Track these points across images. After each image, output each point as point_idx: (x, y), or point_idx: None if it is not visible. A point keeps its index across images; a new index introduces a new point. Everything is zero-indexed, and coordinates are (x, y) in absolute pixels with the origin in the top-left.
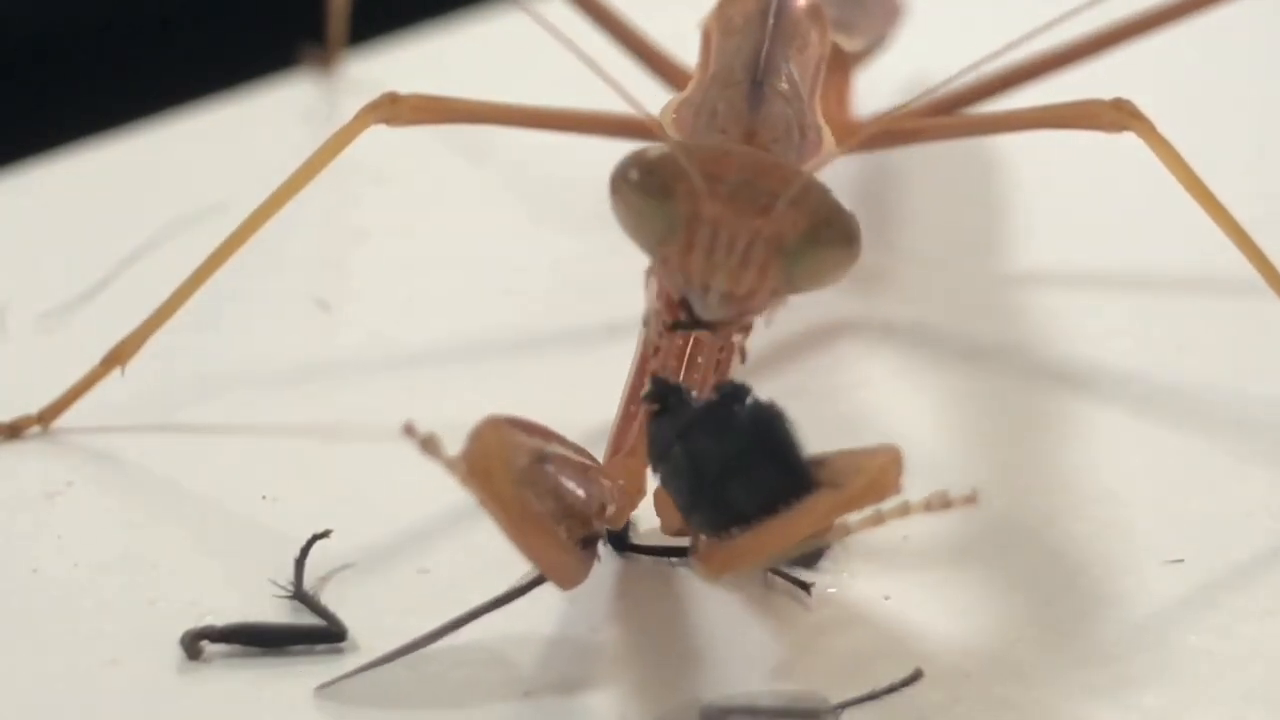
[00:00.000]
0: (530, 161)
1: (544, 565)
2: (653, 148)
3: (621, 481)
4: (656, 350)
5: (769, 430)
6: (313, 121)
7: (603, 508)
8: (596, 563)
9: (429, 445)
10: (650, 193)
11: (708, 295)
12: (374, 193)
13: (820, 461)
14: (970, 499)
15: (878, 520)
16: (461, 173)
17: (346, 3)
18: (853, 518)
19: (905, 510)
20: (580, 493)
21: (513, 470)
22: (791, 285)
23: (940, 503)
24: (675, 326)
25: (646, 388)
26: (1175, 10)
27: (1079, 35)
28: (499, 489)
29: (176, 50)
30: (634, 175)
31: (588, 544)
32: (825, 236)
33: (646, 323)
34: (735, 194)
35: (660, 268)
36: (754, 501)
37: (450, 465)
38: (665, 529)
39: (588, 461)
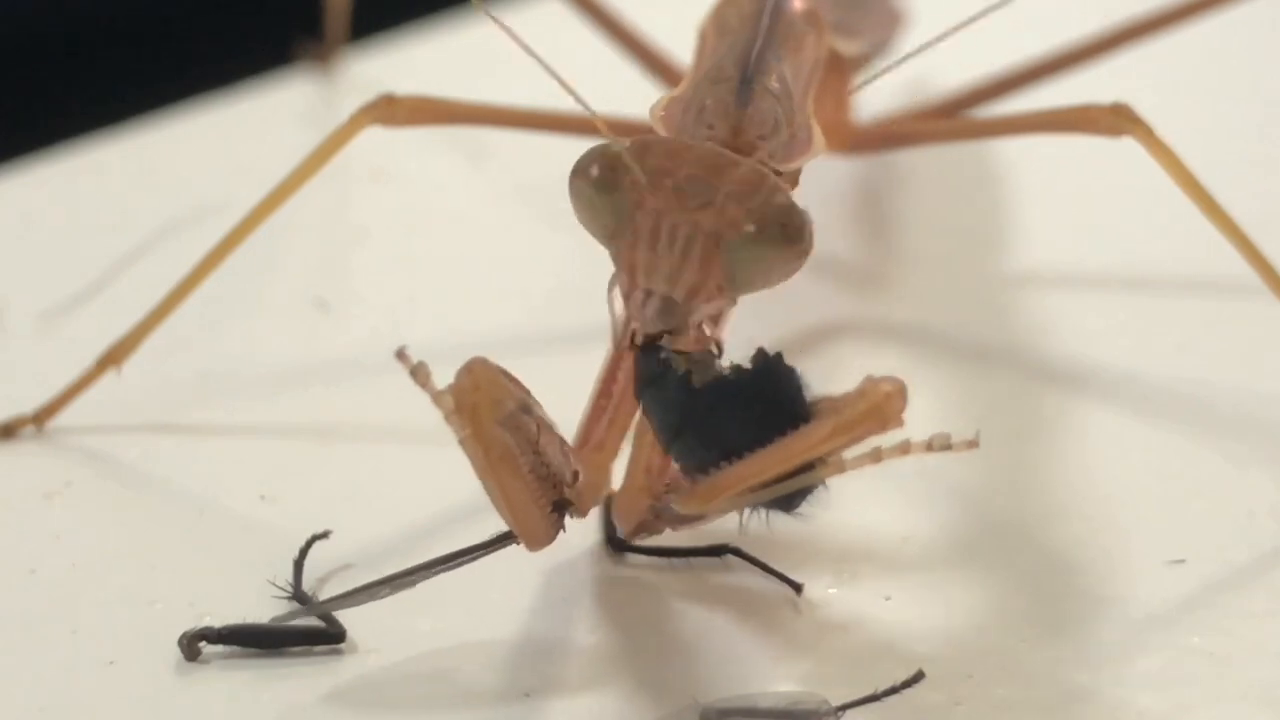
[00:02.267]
0: (530, 161)
1: (514, 517)
2: (610, 143)
3: (585, 474)
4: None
5: (767, 363)
6: (311, 121)
7: (576, 476)
8: (561, 533)
9: (418, 373)
10: (599, 186)
11: (647, 303)
12: (374, 193)
13: (820, 399)
14: (972, 443)
15: (875, 458)
16: (461, 173)
17: (346, 1)
18: (849, 453)
19: (905, 449)
20: (556, 457)
21: (498, 411)
22: (735, 285)
23: (941, 443)
24: (634, 344)
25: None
26: (1174, 15)
27: (1078, 40)
28: (483, 427)
29: (176, 50)
30: (591, 170)
31: (556, 509)
32: (768, 234)
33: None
34: (679, 187)
35: (615, 263)
36: (744, 432)
37: (437, 398)
38: (624, 529)
39: (563, 436)
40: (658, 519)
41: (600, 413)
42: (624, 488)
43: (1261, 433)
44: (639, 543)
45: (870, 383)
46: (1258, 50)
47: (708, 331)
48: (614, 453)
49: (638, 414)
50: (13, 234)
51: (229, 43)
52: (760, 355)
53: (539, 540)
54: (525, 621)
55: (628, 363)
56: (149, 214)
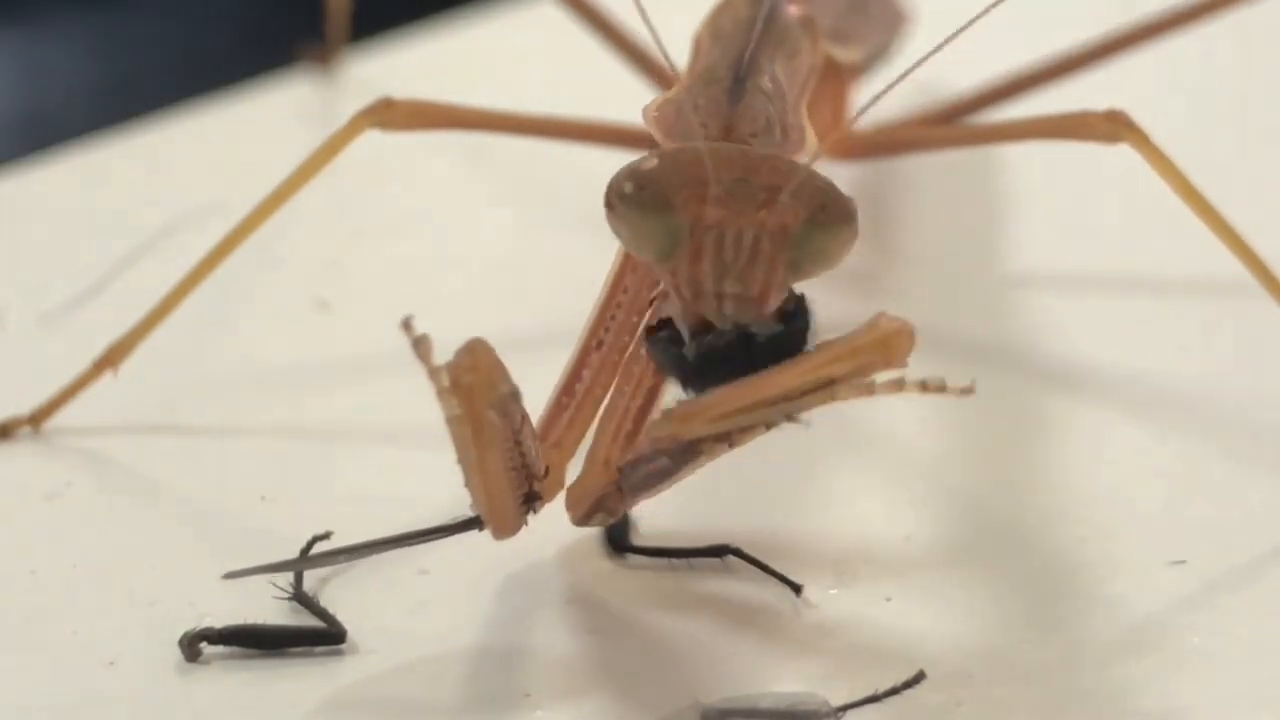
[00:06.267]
0: (531, 162)
1: (488, 503)
2: (642, 160)
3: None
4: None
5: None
6: (312, 122)
7: (546, 471)
8: (524, 527)
9: (420, 345)
10: (649, 208)
11: (724, 304)
12: (374, 193)
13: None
14: (968, 389)
15: (869, 390)
16: (461, 173)
17: (347, 2)
18: (842, 386)
19: (900, 386)
20: (533, 450)
21: (492, 394)
22: (798, 273)
23: (936, 385)
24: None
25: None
26: (1170, 22)
27: (1075, 46)
28: (475, 408)
29: (176, 50)
30: (629, 190)
31: (526, 501)
32: (826, 219)
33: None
34: (734, 193)
35: (669, 281)
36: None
37: (434, 373)
38: (573, 519)
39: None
40: (618, 494)
41: (561, 410)
42: (579, 479)
43: (1262, 433)
44: (594, 523)
45: (881, 317)
46: (1253, 56)
47: None
48: (571, 452)
49: (600, 413)
50: (13, 234)
51: (229, 43)
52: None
53: (506, 529)
54: (525, 622)
55: (595, 362)
56: (149, 214)
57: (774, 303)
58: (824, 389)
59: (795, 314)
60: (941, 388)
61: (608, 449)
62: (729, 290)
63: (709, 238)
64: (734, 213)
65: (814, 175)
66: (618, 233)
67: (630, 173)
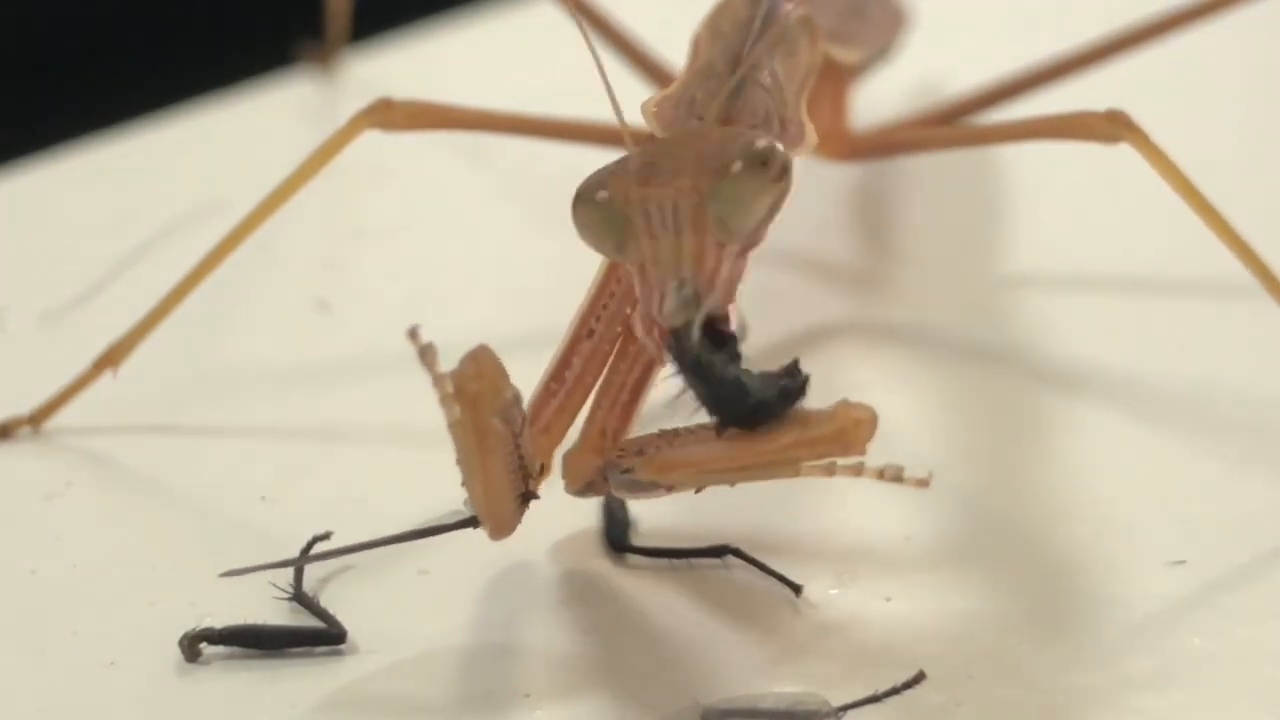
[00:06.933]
0: (530, 161)
1: (487, 505)
2: (604, 166)
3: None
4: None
5: (796, 381)
6: (312, 121)
7: (541, 469)
8: (519, 525)
9: (426, 354)
10: (586, 201)
11: (665, 299)
12: (374, 193)
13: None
14: (923, 481)
15: (829, 471)
16: (461, 173)
17: (347, 3)
18: (805, 463)
19: (858, 471)
20: (530, 450)
21: (496, 401)
22: (728, 231)
23: (893, 475)
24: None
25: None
26: (1170, 22)
27: (1075, 46)
28: (480, 415)
29: (176, 50)
30: (579, 188)
31: (522, 500)
32: (737, 166)
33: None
34: (650, 165)
35: (636, 276)
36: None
37: (438, 380)
38: (571, 487)
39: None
40: (605, 482)
41: (550, 396)
42: (576, 447)
43: (1262, 433)
44: (592, 489)
45: (843, 406)
46: (1253, 56)
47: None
48: (560, 437)
49: (593, 395)
50: (13, 234)
51: (229, 43)
52: (798, 373)
53: (504, 529)
54: (525, 622)
55: (585, 351)
56: (149, 214)
57: (721, 274)
58: (788, 463)
59: (789, 391)
60: (898, 478)
61: (604, 419)
62: (670, 278)
63: (638, 216)
64: (654, 186)
65: (719, 131)
66: (582, 237)
67: (587, 180)
